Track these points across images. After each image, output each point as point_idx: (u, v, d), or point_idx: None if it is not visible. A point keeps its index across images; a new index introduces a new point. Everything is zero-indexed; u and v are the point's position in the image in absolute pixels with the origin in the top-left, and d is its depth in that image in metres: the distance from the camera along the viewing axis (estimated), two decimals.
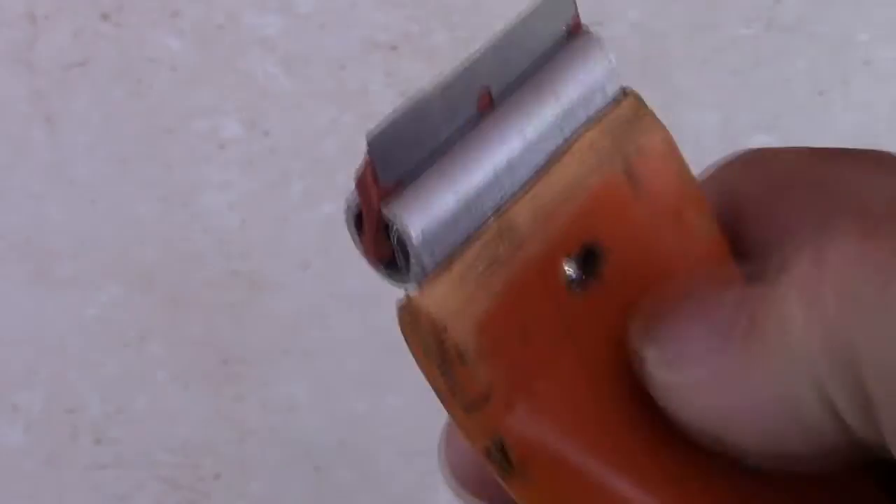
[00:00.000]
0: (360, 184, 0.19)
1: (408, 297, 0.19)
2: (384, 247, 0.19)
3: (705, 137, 0.59)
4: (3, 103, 0.57)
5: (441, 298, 0.19)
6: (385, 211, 0.19)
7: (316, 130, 0.58)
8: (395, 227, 0.19)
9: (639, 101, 0.23)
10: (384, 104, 0.57)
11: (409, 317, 0.19)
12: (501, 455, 0.19)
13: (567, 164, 0.20)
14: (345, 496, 0.62)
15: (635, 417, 0.20)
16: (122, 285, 0.59)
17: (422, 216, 0.19)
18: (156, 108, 0.57)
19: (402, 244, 0.19)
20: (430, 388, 0.19)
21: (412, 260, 0.19)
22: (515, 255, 0.19)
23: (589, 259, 0.20)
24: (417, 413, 0.60)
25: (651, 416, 0.20)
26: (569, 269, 0.20)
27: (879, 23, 0.58)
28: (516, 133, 0.20)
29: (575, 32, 0.21)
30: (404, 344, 0.19)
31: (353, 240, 0.20)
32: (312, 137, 0.58)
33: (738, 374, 0.19)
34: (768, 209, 0.23)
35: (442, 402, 0.19)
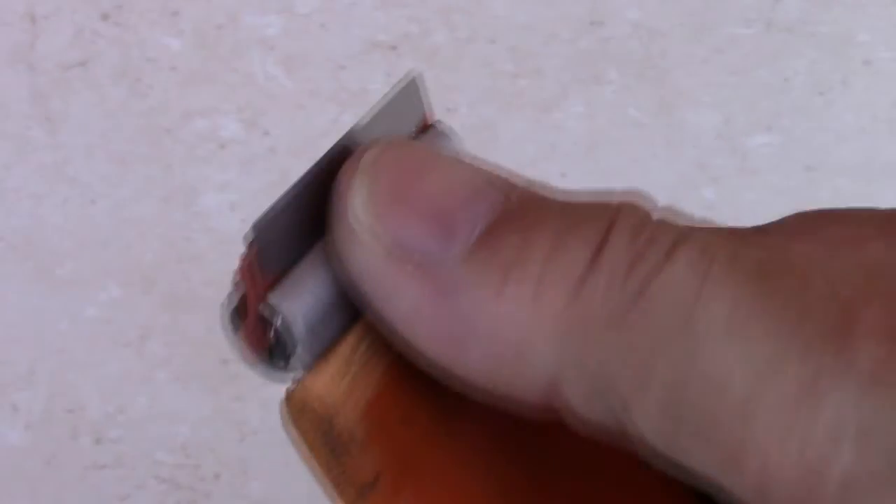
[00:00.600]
0: (246, 274, 0.19)
1: (296, 384, 0.19)
2: (260, 342, 0.19)
3: (705, 137, 0.59)
4: (3, 103, 0.57)
5: (327, 386, 0.19)
6: (270, 302, 0.19)
7: (316, 130, 0.58)
8: (276, 320, 0.19)
9: None
10: None
11: (298, 405, 0.19)
12: None
13: None
14: None
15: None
16: (122, 285, 0.59)
17: (304, 308, 0.19)
18: (156, 108, 0.57)
19: (283, 336, 0.19)
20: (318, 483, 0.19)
21: (297, 350, 0.19)
22: (390, 345, 0.19)
23: None
24: None
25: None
26: None
27: (879, 23, 0.58)
28: None
29: (426, 128, 0.21)
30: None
31: (228, 336, 0.20)
32: (312, 137, 0.58)
33: (462, 297, 0.18)
34: None
35: (330, 496, 0.19)
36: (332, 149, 0.19)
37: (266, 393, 0.60)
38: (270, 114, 0.57)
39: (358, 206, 0.19)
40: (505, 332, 0.18)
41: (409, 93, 0.20)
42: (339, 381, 0.19)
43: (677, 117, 0.58)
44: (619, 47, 0.57)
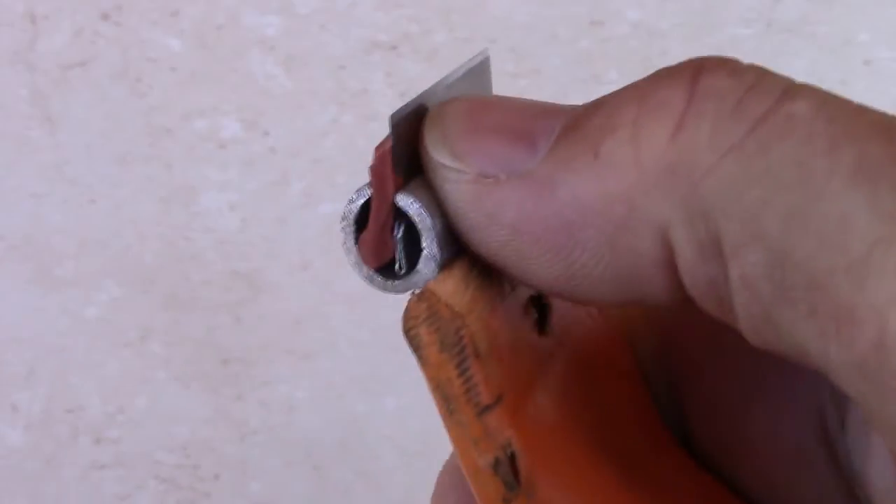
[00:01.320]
0: (376, 171, 0.19)
1: (422, 290, 0.19)
2: (385, 247, 0.19)
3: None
4: (3, 103, 0.57)
5: (453, 294, 0.19)
6: (400, 198, 0.19)
7: (316, 130, 0.58)
8: (405, 222, 0.19)
9: None
10: (384, 104, 0.57)
11: (427, 307, 0.18)
12: (509, 468, 0.19)
13: None
14: (345, 496, 0.62)
15: (619, 424, 0.20)
16: (122, 285, 0.59)
17: (431, 208, 0.19)
18: (156, 108, 0.57)
19: (420, 229, 0.19)
20: (434, 398, 0.19)
21: (425, 252, 0.19)
22: (497, 275, 0.19)
23: (541, 304, 0.20)
24: (417, 413, 0.60)
25: (643, 433, 0.20)
26: (533, 309, 0.20)
27: (879, 23, 0.58)
28: None
29: None
30: (405, 345, 0.19)
31: (347, 245, 0.19)
32: (312, 137, 0.58)
33: (561, 190, 0.18)
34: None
35: (449, 410, 0.19)
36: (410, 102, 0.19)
37: (266, 393, 0.60)
38: (270, 114, 0.57)
39: (436, 148, 0.19)
40: (610, 191, 0.17)
41: (481, 69, 0.20)
42: (464, 292, 0.19)
43: None
44: (619, 47, 0.57)
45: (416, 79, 0.57)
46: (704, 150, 0.17)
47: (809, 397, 0.20)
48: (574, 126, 0.18)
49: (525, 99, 0.19)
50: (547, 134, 0.18)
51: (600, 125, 0.18)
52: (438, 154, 0.19)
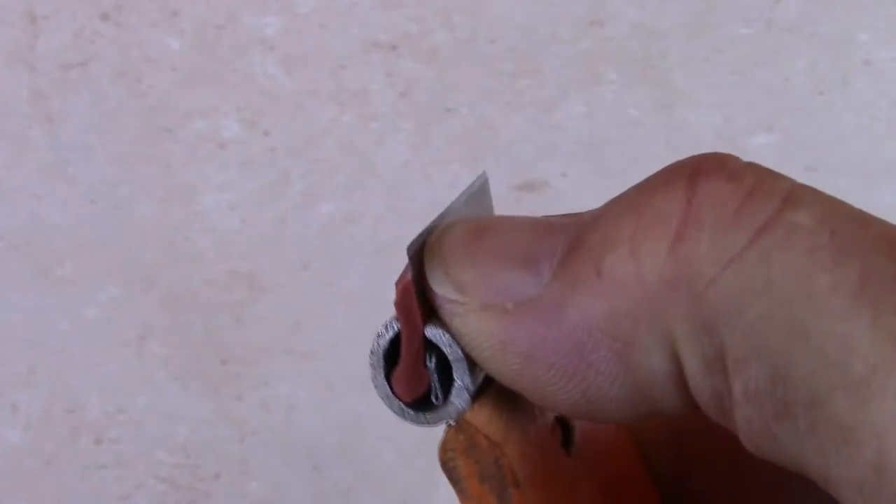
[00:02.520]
0: (402, 305, 0.18)
1: (458, 422, 0.18)
2: (419, 380, 0.19)
3: (705, 137, 0.59)
4: (3, 103, 0.57)
5: (489, 423, 0.19)
6: (429, 330, 0.18)
7: (316, 130, 0.58)
8: (435, 352, 0.18)
9: None
10: (384, 104, 0.57)
11: (466, 439, 0.18)
12: None
13: None
14: (345, 496, 0.62)
15: None
16: (122, 285, 0.59)
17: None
18: (156, 108, 0.57)
19: (445, 369, 0.18)
20: None
21: (457, 383, 0.18)
22: (525, 400, 0.19)
23: (565, 423, 0.20)
24: None
25: None
26: (559, 428, 0.20)
27: (879, 23, 0.58)
28: None
29: None
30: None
31: (377, 381, 0.19)
32: (312, 137, 0.58)
33: (567, 312, 0.17)
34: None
35: None
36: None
37: (266, 393, 0.60)
38: (270, 114, 0.57)
39: (439, 282, 0.18)
40: (616, 309, 0.17)
41: (482, 192, 0.20)
42: (498, 420, 0.19)
43: (677, 117, 0.58)
44: (619, 47, 0.57)
45: (416, 79, 0.57)
46: (705, 263, 0.16)
47: None
48: (575, 245, 0.18)
49: (524, 217, 0.19)
50: (550, 256, 0.18)
51: (601, 241, 0.17)
52: (442, 289, 0.18)
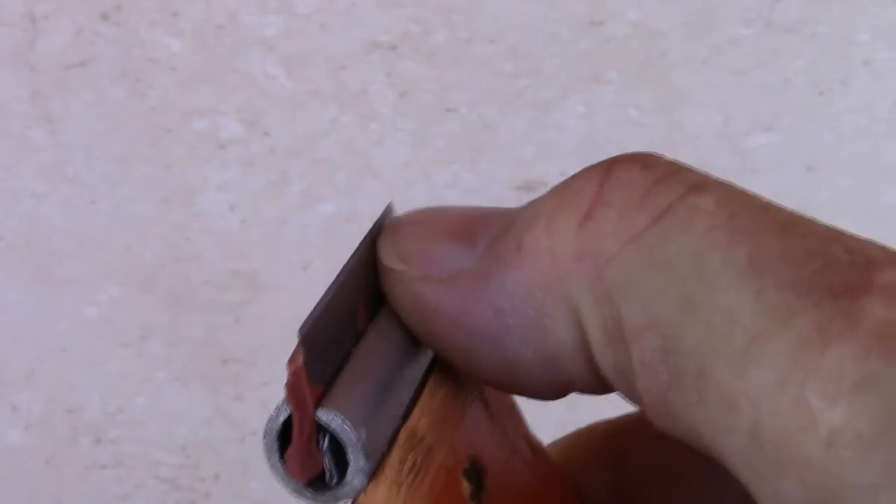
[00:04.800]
0: (293, 388, 0.19)
1: (356, 497, 0.19)
2: (312, 462, 0.19)
3: (705, 137, 0.59)
4: (3, 103, 0.57)
5: (386, 498, 0.19)
6: (321, 414, 0.19)
7: (316, 130, 0.58)
8: (329, 432, 0.19)
9: None
10: (384, 104, 0.57)
11: None
12: None
13: (439, 381, 0.21)
14: None
15: None
16: (122, 285, 0.59)
17: (355, 418, 0.19)
18: (156, 108, 0.57)
19: (345, 445, 0.19)
20: None
21: (352, 465, 0.19)
22: (429, 462, 0.19)
23: (476, 473, 0.20)
24: None
25: None
26: (466, 482, 0.20)
27: (879, 23, 0.58)
28: (396, 346, 0.20)
29: None
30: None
31: (272, 462, 0.19)
32: (312, 137, 0.58)
33: (491, 282, 0.19)
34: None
35: None
36: (358, 247, 0.20)
37: (266, 393, 0.60)
38: (270, 114, 0.57)
39: (387, 250, 0.20)
40: (530, 279, 0.18)
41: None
42: (395, 496, 0.19)
43: (677, 117, 0.58)
44: (619, 47, 0.57)
45: (416, 79, 0.57)
46: (609, 239, 0.17)
47: None
48: (506, 224, 0.19)
49: (481, 206, 0.20)
50: (486, 234, 0.19)
51: (526, 218, 0.19)
52: (388, 260, 0.20)
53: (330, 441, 0.19)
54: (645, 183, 0.18)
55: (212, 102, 0.57)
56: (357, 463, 0.19)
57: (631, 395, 0.18)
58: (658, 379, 0.17)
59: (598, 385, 0.19)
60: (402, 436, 0.19)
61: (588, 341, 0.18)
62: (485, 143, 0.58)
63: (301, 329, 0.18)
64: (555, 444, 0.23)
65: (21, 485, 0.62)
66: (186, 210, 0.58)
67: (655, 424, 0.17)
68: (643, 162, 0.18)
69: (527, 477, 0.21)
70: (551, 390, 0.19)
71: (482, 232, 0.19)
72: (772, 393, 0.15)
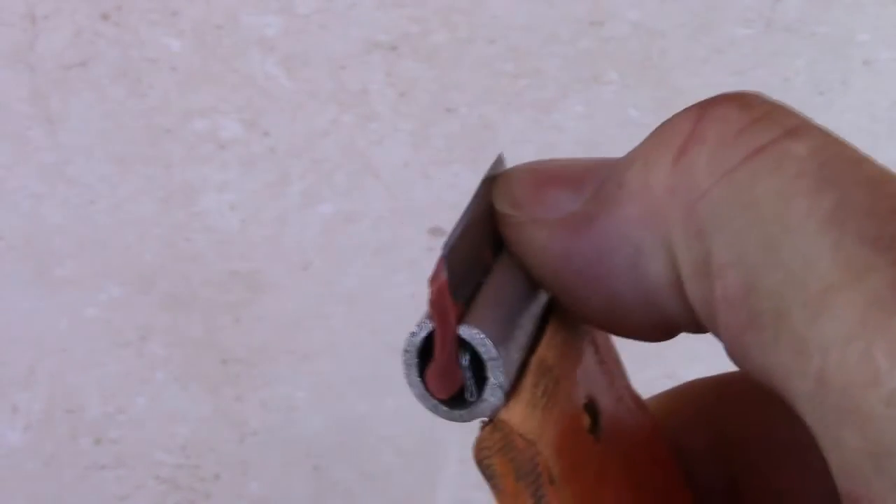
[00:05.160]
0: (436, 304, 0.19)
1: (493, 420, 0.19)
2: (452, 378, 0.19)
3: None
4: (3, 103, 0.57)
5: (524, 421, 0.19)
6: (463, 330, 0.19)
7: (316, 130, 0.58)
8: (469, 349, 0.19)
9: None
10: (384, 104, 0.57)
11: (501, 438, 0.19)
12: None
13: (558, 319, 0.21)
14: (345, 496, 0.62)
15: None
16: (122, 285, 0.59)
17: (495, 337, 0.19)
18: (156, 108, 0.57)
19: (479, 366, 0.19)
20: None
21: (491, 381, 0.19)
22: (556, 390, 0.20)
23: (593, 410, 0.21)
24: (417, 413, 0.60)
25: None
26: (587, 415, 0.21)
27: (879, 23, 0.58)
28: (520, 283, 0.21)
29: None
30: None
31: (410, 378, 0.20)
32: (312, 137, 0.58)
33: (595, 223, 0.19)
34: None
35: None
36: (474, 195, 0.21)
37: (266, 393, 0.60)
38: (270, 114, 0.57)
39: (501, 196, 0.20)
40: (629, 216, 0.19)
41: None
42: (532, 416, 0.19)
43: None
44: (619, 47, 0.57)
45: (416, 79, 0.57)
46: (702, 174, 0.18)
47: None
48: (612, 167, 0.20)
49: (591, 157, 0.21)
50: (594, 180, 0.20)
51: (627, 160, 0.19)
52: (501, 205, 0.20)
53: (470, 360, 0.19)
54: (741, 121, 0.18)
55: (212, 102, 0.57)
56: (497, 379, 0.19)
57: (714, 328, 0.18)
58: (737, 316, 0.17)
59: (695, 323, 0.19)
60: (534, 362, 0.20)
61: (680, 276, 0.18)
62: (485, 143, 0.58)
63: (444, 246, 0.19)
64: (653, 398, 0.23)
65: (21, 485, 0.62)
66: (186, 210, 0.58)
67: (733, 361, 0.18)
68: (742, 101, 0.18)
69: (632, 425, 0.22)
70: (653, 330, 0.20)
71: (590, 178, 0.20)
72: (840, 344, 0.16)
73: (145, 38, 0.56)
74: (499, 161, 0.21)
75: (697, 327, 0.19)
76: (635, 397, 0.22)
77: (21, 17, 0.56)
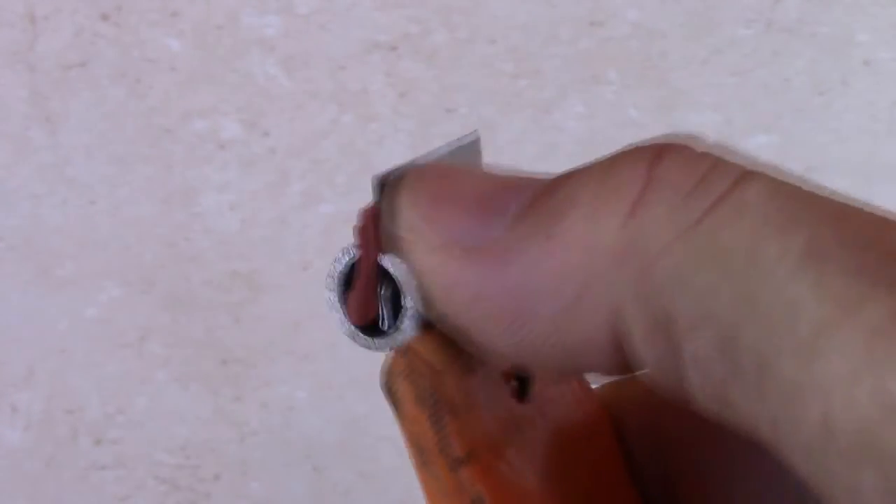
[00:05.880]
0: (362, 231, 0.19)
1: (403, 347, 0.19)
2: (370, 305, 0.19)
3: (705, 138, 0.59)
4: (3, 103, 0.57)
5: (433, 352, 0.19)
6: (385, 259, 0.19)
7: (316, 130, 0.58)
8: (392, 279, 0.19)
9: None
10: (384, 104, 0.57)
11: (406, 363, 0.19)
12: None
13: None
14: (345, 496, 0.62)
15: (592, 496, 0.21)
16: (122, 285, 0.59)
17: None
18: (156, 108, 0.57)
19: (396, 296, 0.19)
20: (409, 450, 0.19)
21: (407, 310, 0.19)
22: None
23: (524, 379, 0.21)
24: None
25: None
26: (514, 379, 0.21)
27: (879, 23, 0.58)
28: None
29: None
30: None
31: (332, 302, 0.20)
32: (312, 137, 0.58)
33: (514, 264, 0.18)
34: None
35: (423, 462, 0.19)
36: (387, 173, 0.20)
37: (266, 394, 0.60)
38: (270, 114, 0.57)
39: (398, 216, 0.19)
40: (562, 271, 0.18)
41: (471, 148, 0.21)
42: (442, 351, 0.19)
43: (677, 117, 0.58)
44: (619, 47, 0.57)
45: (415, 79, 0.57)
46: (657, 234, 0.17)
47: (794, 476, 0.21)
48: (535, 203, 0.18)
49: (494, 173, 0.20)
50: (505, 210, 0.19)
51: (558, 204, 0.18)
52: (398, 225, 0.19)
53: (389, 292, 0.19)
54: (692, 178, 0.17)
55: (212, 102, 0.57)
56: (412, 308, 0.19)
57: (670, 387, 0.17)
58: (713, 374, 0.16)
59: (618, 372, 0.18)
60: None
61: (625, 336, 0.18)
62: (485, 143, 0.58)
63: (376, 176, 0.19)
64: (600, 387, 0.23)
65: (21, 485, 0.62)
66: (186, 210, 0.58)
67: (706, 415, 0.17)
68: (685, 154, 0.18)
69: (570, 403, 0.22)
70: (563, 370, 0.19)
71: (503, 206, 0.19)
72: (845, 383, 0.15)
73: (145, 38, 0.56)
74: (473, 142, 0.21)
75: (617, 374, 0.18)
76: (581, 383, 0.22)
77: (21, 17, 0.56)
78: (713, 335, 0.16)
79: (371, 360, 0.69)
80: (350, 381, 0.61)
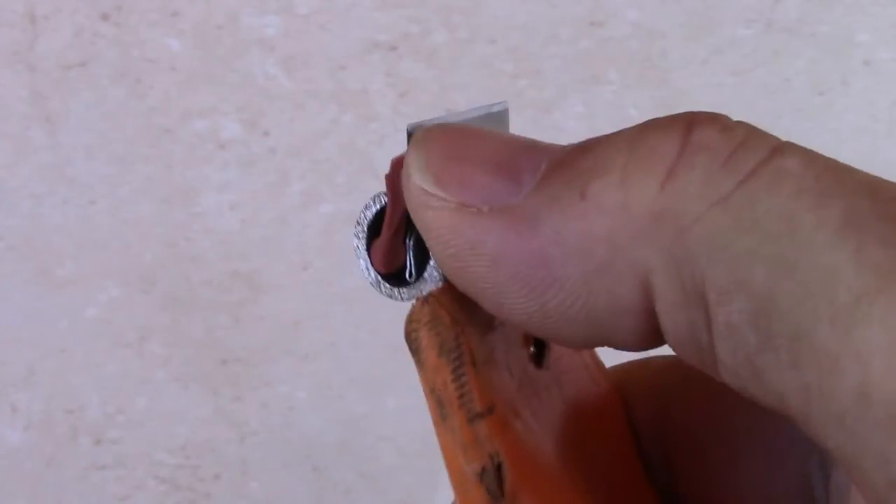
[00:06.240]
0: (392, 179, 0.19)
1: (427, 296, 0.19)
2: (395, 255, 0.19)
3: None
4: (3, 103, 0.57)
5: (456, 303, 0.19)
6: None
7: (316, 130, 0.58)
8: (416, 230, 0.19)
9: None
10: (384, 104, 0.57)
11: (430, 312, 0.19)
12: (495, 479, 0.19)
13: None
14: (345, 496, 0.62)
15: (602, 469, 0.21)
16: (122, 285, 0.59)
17: None
18: (156, 108, 0.57)
19: (423, 247, 0.19)
20: (428, 401, 0.19)
21: (432, 261, 0.19)
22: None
23: (539, 343, 0.21)
24: (417, 413, 0.60)
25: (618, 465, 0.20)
26: (532, 345, 0.21)
27: (879, 23, 0.58)
28: None
29: None
30: (405, 346, 0.19)
31: (358, 250, 0.20)
32: (312, 137, 0.58)
33: (543, 226, 0.18)
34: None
35: (442, 415, 0.19)
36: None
37: (266, 394, 0.60)
38: (270, 114, 0.57)
39: (420, 172, 0.19)
40: (594, 232, 0.17)
41: (499, 118, 0.21)
42: (464, 302, 0.19)
43: None
44: (619, 47, 0.57)
45: (415, 79, 0.57)
46: (694, 200, 0.17)
47: (797, 462, 0.20)
48: (561, 164, 0.18)
49: (512, 134, 0.19)
50: (532, 170, 0.18)
51: (590, 167, 0.18)
52: (421, 179, 0.19)
53: (415, 241, 0.19)
54: (728, 145, 0.17)
55: (212, 102, 0.57)
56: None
57: (699, 356, 0.17)
58: (745, 341, 0.16)
59: (639, 345, 0.18)
60: None
61: (654, 303, 0.17)
62: None
63: (411, 125, 0.19)
64: (611, 368, 0.23)
65: (21, 485, 0.62)
66: (186, 210, 0.58)
67: (732, 386, 0.17)
68: (722, 125, 0.18)
69: (584, 377, 0.22)
70: (582, 341, 0.19)
71: (527, 167, 0.18)
72: (885, 352, 0.15)
73: (145, 38, 0.56)
74: (502, 112, 0.20)
75: (639, 348, 0.18)
76: (596, 360, 0.22)
77: (21, 17, 0.56)
78: (747, 302, 0.16)
79: (371, 360, 0.69)
80: (350, 381, 0.61)
